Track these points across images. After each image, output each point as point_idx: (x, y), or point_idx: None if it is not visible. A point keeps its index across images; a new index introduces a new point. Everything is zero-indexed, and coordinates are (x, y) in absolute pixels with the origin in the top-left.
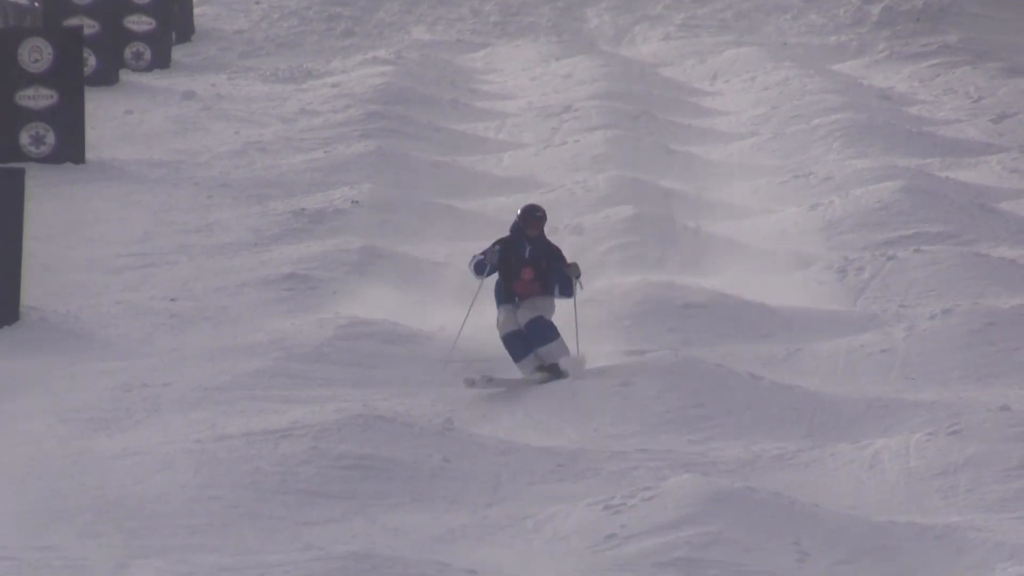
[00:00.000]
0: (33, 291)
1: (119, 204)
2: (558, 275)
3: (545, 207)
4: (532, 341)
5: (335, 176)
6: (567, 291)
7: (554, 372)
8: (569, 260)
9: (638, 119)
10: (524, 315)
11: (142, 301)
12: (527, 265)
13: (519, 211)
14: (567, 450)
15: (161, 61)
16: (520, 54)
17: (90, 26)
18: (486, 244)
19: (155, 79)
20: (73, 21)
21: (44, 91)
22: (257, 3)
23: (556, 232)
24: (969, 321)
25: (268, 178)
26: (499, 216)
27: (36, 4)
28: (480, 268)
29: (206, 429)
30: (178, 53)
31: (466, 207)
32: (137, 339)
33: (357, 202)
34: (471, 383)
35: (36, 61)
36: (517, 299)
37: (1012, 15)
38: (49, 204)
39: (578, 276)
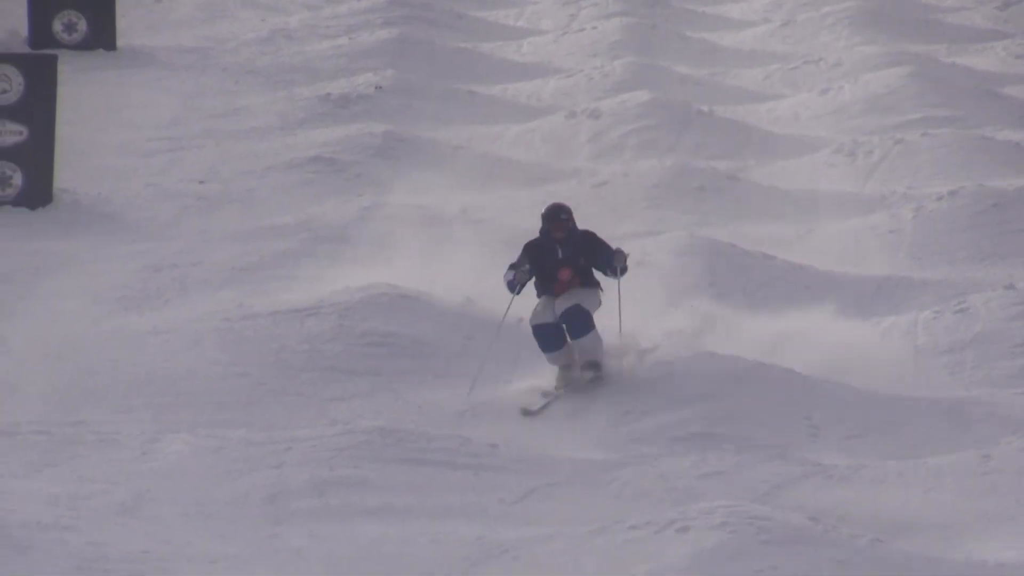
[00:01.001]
0: (66, 175)
1: (149, 90)
2: (606, 261)
3: (563, 92)
4: (568, 331)
5: (359, 62)
6: (614, 275)
7: (596, 370)
8: (614, 247)
9: (654, 7)
10: (561, 304)
11: (171, 184)
12: (563, 266)
13: (543, 213)
14: None
15: None
16: None
17: None
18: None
19: None
20: None
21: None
22: None
23: (575, 116)
24: (975, 202)
25: (294, 64)
26: (517, 100)
27: None
28: (512, 287)
29: (234, 308)
30: None
31: (487, 92)
32: (166, 221)
33: (380, 87)
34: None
35: None
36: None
37: None
38: (81, 90)
39: (624, 267)
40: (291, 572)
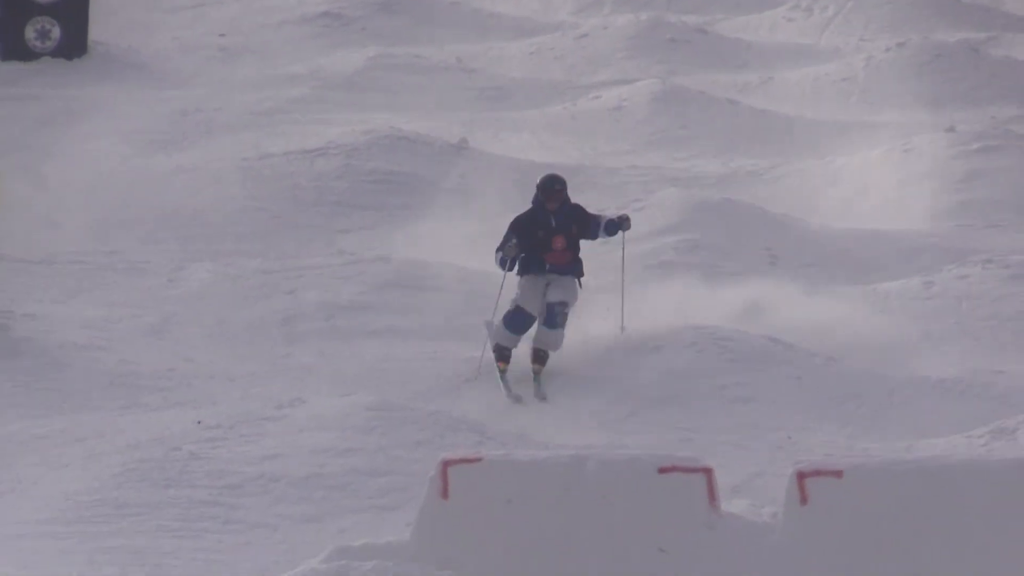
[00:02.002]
0: (99, 28)
1: None
2: (605, 223)
3: None
4: (544, 320)
5: None
6: (612, 231)
7: (541, 362)
8: (619, 213)
9: None
10: (554, 294)
11: (195, 37)
12: (557, 234)
13: (538, 183)
14: (568, 167)
15: None
16: None
17: None
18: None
19: None
20: None
21: None
22: None
23: None
24: (920, 53)
25: None
26: None
27: None
28: (503, 265)
29: (251, 149)
30: None
31: None
32: (191, 71)
33: None
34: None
35: None
36: (548, 266)
37: None
38: None
39: (628, 227)
40: (303, 387)
